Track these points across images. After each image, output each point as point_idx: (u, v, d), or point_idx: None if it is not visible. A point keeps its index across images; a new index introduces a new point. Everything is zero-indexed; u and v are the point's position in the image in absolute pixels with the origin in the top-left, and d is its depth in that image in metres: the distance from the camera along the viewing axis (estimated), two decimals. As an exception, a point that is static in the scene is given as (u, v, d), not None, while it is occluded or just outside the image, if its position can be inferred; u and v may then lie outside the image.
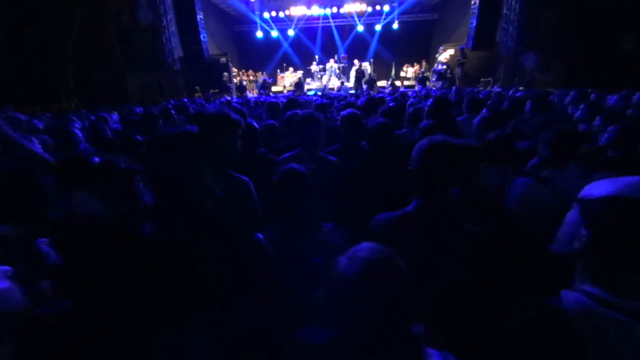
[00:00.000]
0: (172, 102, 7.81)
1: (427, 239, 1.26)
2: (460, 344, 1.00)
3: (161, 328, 1.17)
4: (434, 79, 14.25)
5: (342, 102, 5.88)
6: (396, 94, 8.15)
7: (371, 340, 0.87)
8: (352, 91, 12.68)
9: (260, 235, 1.41)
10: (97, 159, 1.76)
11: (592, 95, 5.60)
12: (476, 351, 1.01)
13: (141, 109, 7.00)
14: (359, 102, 5.28)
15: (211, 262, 1.24)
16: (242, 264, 1.31)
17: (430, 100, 3.73)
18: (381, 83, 16.18)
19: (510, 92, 7.26)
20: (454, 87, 9.01)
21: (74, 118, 5.06)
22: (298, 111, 3.13)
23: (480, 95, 6.14)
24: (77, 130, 3.32)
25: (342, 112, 2.89)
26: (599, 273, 0.85)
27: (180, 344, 1.16)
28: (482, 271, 1.24)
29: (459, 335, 1.10)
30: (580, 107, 3.92)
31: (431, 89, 11.35)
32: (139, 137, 3.16)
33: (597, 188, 0.86)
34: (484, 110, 3.79)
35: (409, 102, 5.45)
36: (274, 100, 5.92)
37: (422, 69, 15.72)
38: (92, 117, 5.65)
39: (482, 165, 2.20)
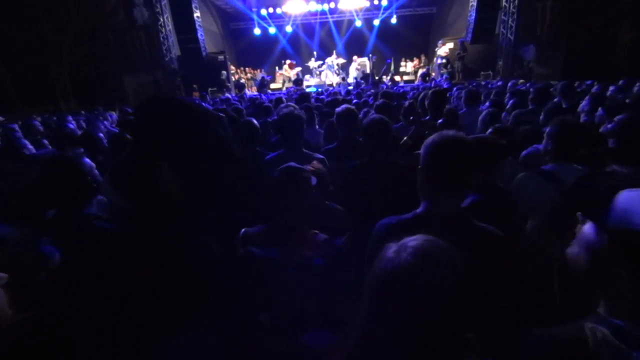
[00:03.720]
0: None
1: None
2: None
3: (160, 331, 1.14)
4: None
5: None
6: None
7: (418, 340, 0.76)
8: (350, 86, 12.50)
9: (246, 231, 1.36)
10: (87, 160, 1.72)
11: (595, 87, 5.57)
12: None
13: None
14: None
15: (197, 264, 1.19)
16: (227, 266, 1.27)
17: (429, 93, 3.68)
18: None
19: (510, 84, 7.22)
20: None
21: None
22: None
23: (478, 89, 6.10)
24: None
25: (337, 109, 2.82)
26: (633, 308, 0.71)
27: (178, 347, 1.13)
28: (503, 275, 1.13)
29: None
30: (586, 99, 3.87)
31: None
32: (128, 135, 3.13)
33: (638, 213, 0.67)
34: (487, 104, 3.76)
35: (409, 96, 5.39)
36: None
37: (427, 67, 15.53)
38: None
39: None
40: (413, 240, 0.81)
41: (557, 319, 0.83)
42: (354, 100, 5.18)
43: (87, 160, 1.67)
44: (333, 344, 1.22)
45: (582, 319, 0.78)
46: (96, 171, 1.73)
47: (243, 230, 1.42)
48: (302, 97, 5.07)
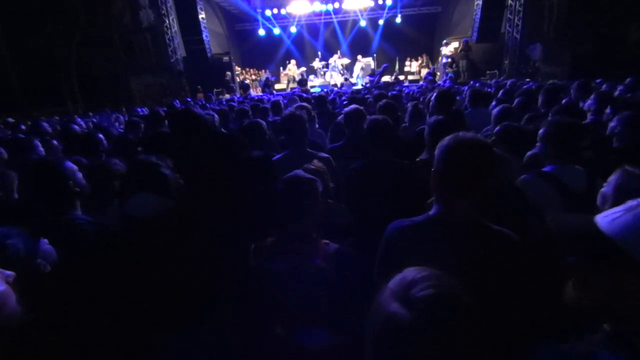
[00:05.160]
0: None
1: (457, 248, 1.09)
2: None
3: (162, 330, 1.17)
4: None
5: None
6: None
7: None
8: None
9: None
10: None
11: (604, 85, 5.53)
12: None
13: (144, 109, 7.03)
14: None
15: (205, 266, 1.22)
16: (236, 270, 1.29)
17: (434, 94, 3.68)
18: (385, 78, 16.02)
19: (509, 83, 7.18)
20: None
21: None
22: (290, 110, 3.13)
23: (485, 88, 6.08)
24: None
25: (345, 109, 2.86)
26: None
27: (180, 346, 1.16)
28: (519, 280, 1.10)
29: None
30: (591, 97, 3.83)
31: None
32: (131, 135, 3.16)
33: None
34: (493, 103, 3.75)
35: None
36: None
37: (432, 67, 15.47)
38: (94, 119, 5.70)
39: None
40: (419, 289, 0.65)
41: (568, 329, 0.82)
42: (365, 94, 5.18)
43: (70, 163, 1.66)
44: (330, 343, 1.24)
45: (593, 333, 0.78)
46: (79, 174, 1.71)
47: (253, 245, 1.41)
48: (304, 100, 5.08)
